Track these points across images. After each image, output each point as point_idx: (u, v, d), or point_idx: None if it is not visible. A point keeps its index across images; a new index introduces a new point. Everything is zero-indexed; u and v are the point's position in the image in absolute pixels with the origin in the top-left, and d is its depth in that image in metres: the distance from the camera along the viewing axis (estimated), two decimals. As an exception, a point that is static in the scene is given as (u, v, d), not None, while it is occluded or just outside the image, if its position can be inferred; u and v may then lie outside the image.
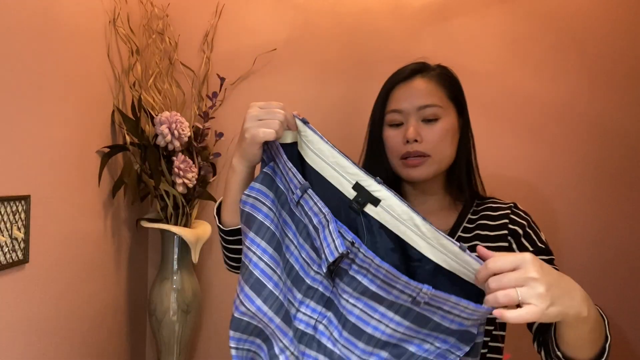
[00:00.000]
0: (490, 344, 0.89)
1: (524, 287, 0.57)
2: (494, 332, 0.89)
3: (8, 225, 0.92)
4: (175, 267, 1.41)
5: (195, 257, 1.38)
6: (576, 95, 1.49)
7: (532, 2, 1.50)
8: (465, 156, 0.95)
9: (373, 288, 0.64)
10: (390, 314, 0.64)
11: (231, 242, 0.90)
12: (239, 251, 0.88)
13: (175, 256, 1.41)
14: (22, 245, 0.96)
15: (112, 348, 1.37)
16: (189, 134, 1.38)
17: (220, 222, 0.89)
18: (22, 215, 0.96)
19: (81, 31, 1.19)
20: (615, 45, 1.49)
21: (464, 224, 0.93)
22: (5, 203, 0.91)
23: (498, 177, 1.51)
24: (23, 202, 0.96)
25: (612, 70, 1.49)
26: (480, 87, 1.51)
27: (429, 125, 0.89)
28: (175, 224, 1.41)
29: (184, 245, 1.41)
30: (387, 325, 0.64)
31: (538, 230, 0.91)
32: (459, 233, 0.92)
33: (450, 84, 0.95)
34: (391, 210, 0.69)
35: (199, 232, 1.40)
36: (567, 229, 1.49)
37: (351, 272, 0.65)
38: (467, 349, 0.62)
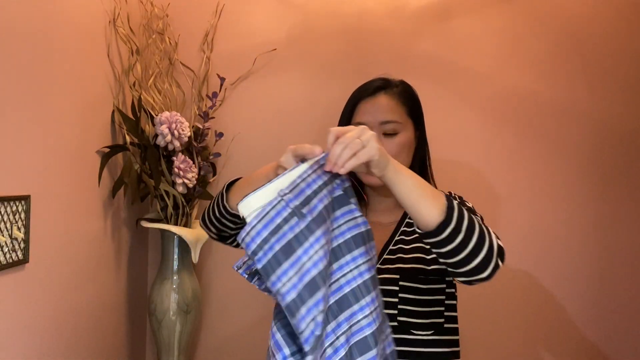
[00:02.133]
0: (445, 313, 0.97)
1: (363, 137, 0.70)
2: (446, 302, 0.97)
3: (8, 225, 0.92)
4: (175, 267, 1.41)
5: (195, 257, 1.38)
6: (575, 95, 1.49)
7: (532, 2, 1.50)
8: (419, 163, 1.05)
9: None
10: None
11: (228, 220, 0.91)
12: (227, 228, 0.93)
13: (175, 256, 1.41)
14: (22, 245, 0.96)
15: (112, 348, 1.37)
16: (189, 134, 1.38)
17: (227, 200, 0.91)
18: (22, 215, 0.96)
19: (81, 31, 1.19)
20: (615, 44, 1.49)
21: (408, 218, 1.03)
22: (5, 203, 0.91)
23: (497, 175, 1.51)
24: (23, 202, 0.96)
25: (611, 70, 1.49)
26: (479, 87, 1.51)
27: (388, 138, 0.99)
28: (175, 224, 1.41)
29: (184, 245, 1.41)
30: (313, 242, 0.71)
31: (465, 201, 1.01)
32: (406, 223, 1.03)
33: (410, 101, 1.03)
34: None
35: (199, 232, 1.39)
36: (566, 227, 1.49)
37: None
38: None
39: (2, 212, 0.91)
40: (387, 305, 0.93)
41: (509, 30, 1.51)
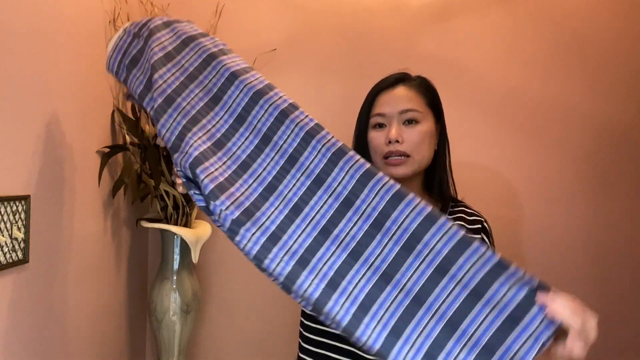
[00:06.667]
0: None
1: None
2: None
3: (8, 225, 0.92)
4: (175, 267, 1.41)
5: (195, 257, 1.39)
6: (576, 95, 1.49)
7: (532, 2, 1.50)
8: (444, 159, 1.03)
9: None
10: None
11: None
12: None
13: (175, 256, 1.41)
14: (22, 245, 0.96)
15: (112, 348, 1.37)
16: (189, 134, 1.38)
17: None
18: (22, 215, 0.96)
19: (81, 31, 1.19)
20: (616, 44, 1.49)
21: None
22: (5, 203, 0.91)
23: (495, 175, 1.51)
24: (23, 202, 0.96)
25: (612, 70, 1.49)
26: (480, 87, 1.51)
27: (409, 127, 0.97)
28: (175, 224, 1.41)
29: (184, 245, 1.41)
30: None
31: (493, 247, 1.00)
32: None
33: (429, 93, 1.02)
34: None
35: (199, 232, 1.40)
36: (565, 228, 1.49)
37: None
38: None
39: (2, 212, 0.91)
40: None
41: (509, 30, 1.51)
